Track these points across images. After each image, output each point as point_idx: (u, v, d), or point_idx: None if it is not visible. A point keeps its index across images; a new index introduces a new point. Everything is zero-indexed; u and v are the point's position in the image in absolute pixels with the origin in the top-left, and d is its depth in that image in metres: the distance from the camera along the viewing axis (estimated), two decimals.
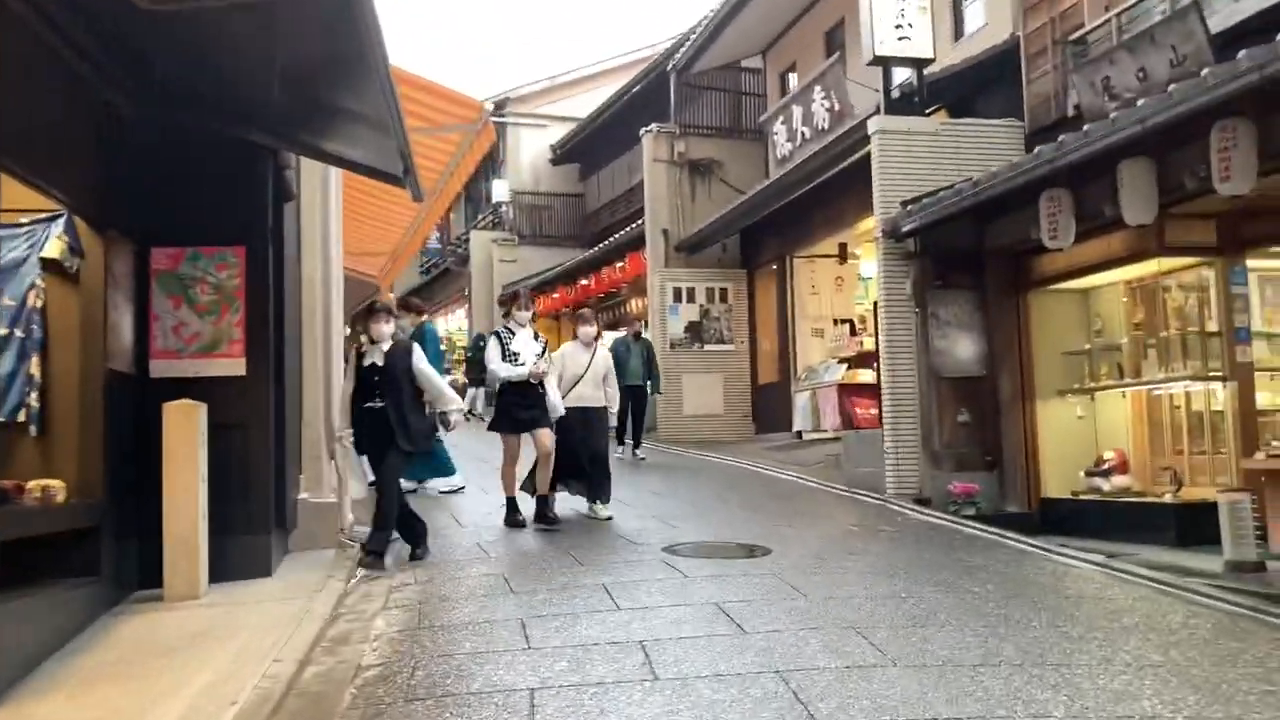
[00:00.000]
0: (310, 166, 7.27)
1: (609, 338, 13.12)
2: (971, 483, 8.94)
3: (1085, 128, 7.27)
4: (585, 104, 22.56)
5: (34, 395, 5.40)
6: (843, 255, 14.34)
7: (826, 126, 12.22)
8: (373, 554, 6.37)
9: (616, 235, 18.39)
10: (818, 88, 12.46)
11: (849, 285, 15.03)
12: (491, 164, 24.09)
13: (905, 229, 9.38)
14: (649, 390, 12.62)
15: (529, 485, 7.87)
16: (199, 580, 5.60)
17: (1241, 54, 5.93)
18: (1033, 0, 10.05)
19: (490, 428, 7.81)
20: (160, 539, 5.54)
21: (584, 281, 19.94)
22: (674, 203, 16.08)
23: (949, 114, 10.58)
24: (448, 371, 15.74)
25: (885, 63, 10.16)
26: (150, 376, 5.99)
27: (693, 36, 16.54)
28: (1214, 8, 7.71)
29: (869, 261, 13.77)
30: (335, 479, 7.15)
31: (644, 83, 19.10)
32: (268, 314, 6.34)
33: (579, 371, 8.18)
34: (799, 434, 13.78)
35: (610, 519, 7.88)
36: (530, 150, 24.11)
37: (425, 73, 8.15)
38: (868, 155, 10.08)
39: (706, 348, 15.64)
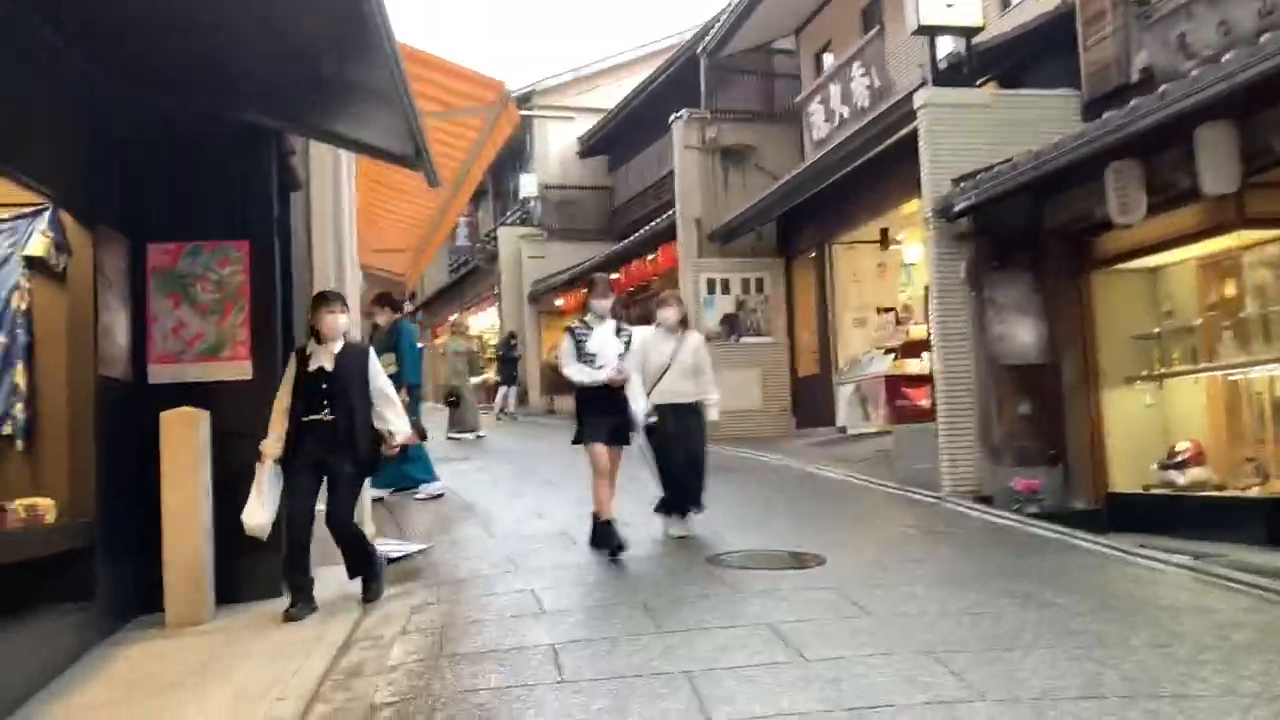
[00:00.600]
0: (319, 153, 6.84)
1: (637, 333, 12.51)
2: (1034, 478, 8.33)
3: (1161, 88, 6.64)
4: (612, 95, 22.14)
5: (20, 406, 4.98)
6: (885, 241, 13.66)
7: (867, 105, 11.64)
8: (302, 603, 5.25)
9: (647, 227, 17.86)
10: (857, 64, 11.87)
11: (892, 272, 14.35)
12: (519, 159, 23.68)
13: (958, 208, 8.76)
14: None
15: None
16: (203, 604, 5.18)
17: None
18: None
19: (575, 440, 6.61)
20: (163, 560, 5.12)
21: (615, 275, 19.41)
22: (706, 191, 15.48)
23: (999, 86, 9.96)
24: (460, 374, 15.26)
25: (931, 32, 9.52)
26: (149, 383, 5.56)
27: (722, 18, 15.97)
28: None
29: (913, 246, 13.15)
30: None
31: (672, 69, 18.59)
32: (275, 313, 5.91)
33: (664, 362, 7.07)
34: (843, 429, 13.17)
35: (684, 537, 6.93)
36: (558, 144, 23.71)
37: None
38: (912, 134, 9.47)
39: (743, 340, 15.04)
